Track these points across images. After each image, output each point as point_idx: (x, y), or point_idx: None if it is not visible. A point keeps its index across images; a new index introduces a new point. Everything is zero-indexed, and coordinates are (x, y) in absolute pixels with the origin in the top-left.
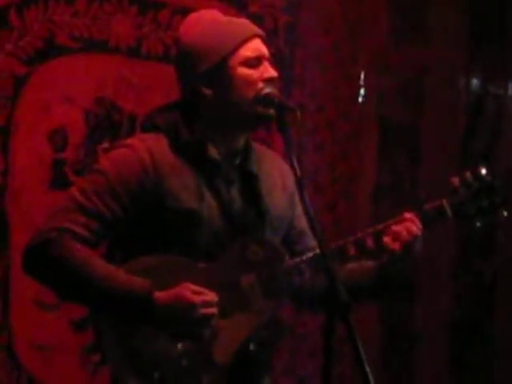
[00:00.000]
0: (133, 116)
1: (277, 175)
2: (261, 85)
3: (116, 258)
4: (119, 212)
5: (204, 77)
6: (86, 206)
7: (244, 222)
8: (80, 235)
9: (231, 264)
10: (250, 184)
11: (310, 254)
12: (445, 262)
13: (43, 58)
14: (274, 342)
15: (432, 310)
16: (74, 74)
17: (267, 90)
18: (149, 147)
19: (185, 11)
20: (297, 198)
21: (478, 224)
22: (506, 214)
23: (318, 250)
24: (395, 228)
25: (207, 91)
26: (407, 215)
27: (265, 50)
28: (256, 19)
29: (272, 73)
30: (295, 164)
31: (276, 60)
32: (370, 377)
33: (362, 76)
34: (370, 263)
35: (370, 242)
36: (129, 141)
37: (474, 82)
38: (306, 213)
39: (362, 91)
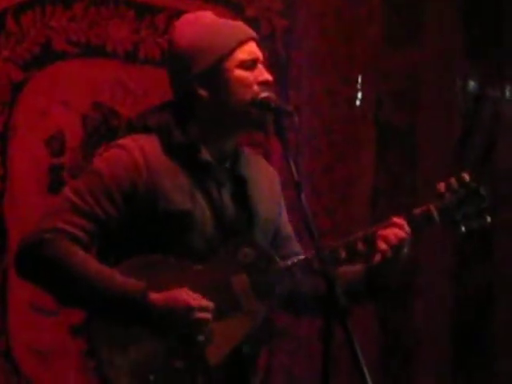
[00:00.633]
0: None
1: (264, 179)
2: (256, 88)
3: (108, 259)
4: (113, 213)
5: (200, 78)
6: (80, 206)
7: (234, 224)
8: (74, 236)
9: (223, 266)
10: (240, 187)
11: (302, 257)
12: (444, 264)
13: (40, 64)
14: (267, 344)
15: (432, 312)
16: (71, 79)
17: (264, 93)
18: (142, 148)
19: (181, 15)
20: (283, 203)
21: (464, 229)
22: (489, 219)
23: (309, 254)
24: (384, 232)
25: (203, 92)
26: (396, 219)
27: (259, 54)
28: (252, 23)
29: (267, 76)
30: (293, 167)
31: (272, 63)
32: (369, 380)
33: (359, 79)
34: (358, 267)
35: (360, 246)
36: (122, 141)
37: (471, 84)
38: (304, 216)
39: (359, 95)
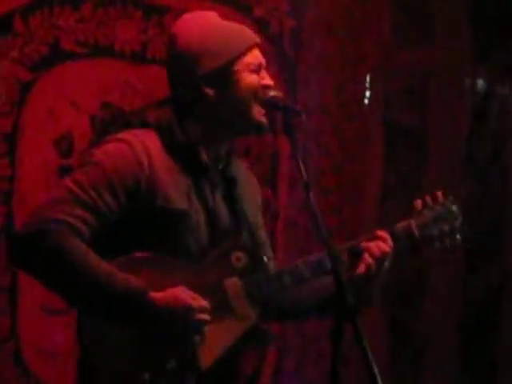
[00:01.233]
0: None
1: (248, 182)
2: (261, 91)
3: (101, 253)
4: (114, 207)
5: (208, 77)
6: (83, 198)
7: (226, 227)
8: (76, 228)
9: (216, 268)
10: (231, 189)
11: (293, 265)
12: (453, 264)
13: (48, 64)
14: (257, 348)
15: (441, 313)
16: (79, 80)
17: (272, 93)
18: (144, 143)
19: None
20: (261, 208)
21: (438, 246)
22: (459, 237)
23: (299, 261)
24: (368, 244)
25: (209, 91)
26: (380, 233)
27: (263, 59)
28: (261, 23)
29: (270, 81)
30: (301, 167)
31: (281, 63)
32: (379, 379)
33: (368, 78)
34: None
35: (344, 257)
36: (123, 136)
37: (480, 82)
38: (313, 216)
39: (368, 93)
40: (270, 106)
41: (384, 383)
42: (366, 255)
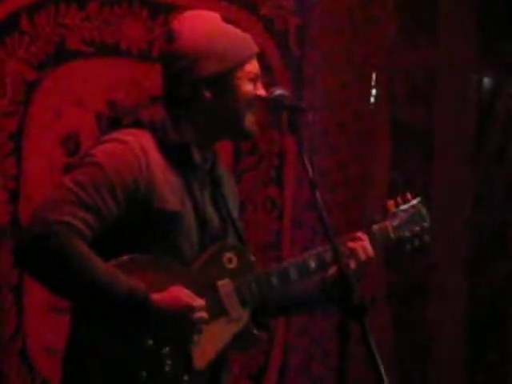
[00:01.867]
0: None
1: (229, 182)
2: (255, 101)
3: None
4: (114, 208)
5: (208, 79)
6: (84, 199)
7: (213, 227)
8: (78, 229)
9: (208, 270)
10: (218, 189)
11: (282, 266)
12: (460, 262)
13: (55, 63)
14: (248, 349)
15: (447, 310)
16: (85, 78)
17: (278, 91)
18: (141, 144)
19: None
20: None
21: (409, 248)
22: (428, 238)
23: (285, 262)
24: (351, 245)
25: (207, 94)
26: (359, 234)
27: (259, 70)
28: (266, 21)
29: (263, 93)
30: (307, 165)
31: (286, 62)
32: (385, 377)
33: (374, 76)
34: (316, 278)
35: (328, 257)
36: (121, 135)
37: (486, 81)
38: (319, 214)
39: (374, 92)
40: (276, 104)
41: (390, 382)
42: (350, 255)
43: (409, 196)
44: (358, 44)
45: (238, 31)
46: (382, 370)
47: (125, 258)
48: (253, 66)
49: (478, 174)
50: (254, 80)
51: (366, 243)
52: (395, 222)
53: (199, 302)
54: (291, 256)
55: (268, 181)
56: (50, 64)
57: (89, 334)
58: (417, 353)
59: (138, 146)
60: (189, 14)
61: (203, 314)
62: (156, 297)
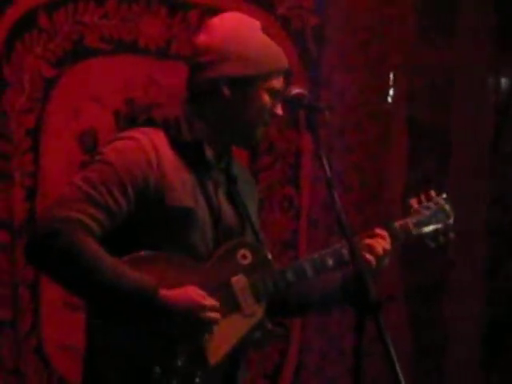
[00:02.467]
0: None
1: (248, 182)
2: (267, 116)
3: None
4: (124, 205)
5: (232, 79)
6: (94, 196)
7: (229, 224)
8: (89, 227)
9: (222, 266)
10: (234, 188)
11: (298, 262)
12: (476, 263)
13: (72, 60)
14: (263, 345)
15: (463, 311)
16: (103, 76)
17: (296, 90)
18: (152, 141)
19: (214, 12)
20: (258, 207)
21: (432, 245)
22: (452, 235)
23: (303, 259)
24: (369, 242)
25: (226, 91)
26: (379, 231)
27: (282, 88)
28: (284, 20)
29: (280, 112)
30: (325, 164)
31: (304, 61)
32: (401, 376)
33: (391, 76)
34: (336, 275)
35: (346, 254)
36: (132, 134)
37: (503, 81)
38: (336, 213)
39: (391, 92)
40: (294, 103)
41: (406, 380)
42: (367, 253)
43: (432, 193)
44: (376, 43)
45: (273, 44)
46: (398, 369)
47: (137, 254)
48: (278, 82)
49: (495, 174)
50: (274, 95)
51: (382, 239)
52: (417, 219)
53: (211, 301)
54: (307, 255)
55: (285, 180)
56: (68, 61)
57: (101, 330)
58: (433, 352)
59: (149, 144)
60: (231, 13)
61: (215, 315)
62: (166, 293)
